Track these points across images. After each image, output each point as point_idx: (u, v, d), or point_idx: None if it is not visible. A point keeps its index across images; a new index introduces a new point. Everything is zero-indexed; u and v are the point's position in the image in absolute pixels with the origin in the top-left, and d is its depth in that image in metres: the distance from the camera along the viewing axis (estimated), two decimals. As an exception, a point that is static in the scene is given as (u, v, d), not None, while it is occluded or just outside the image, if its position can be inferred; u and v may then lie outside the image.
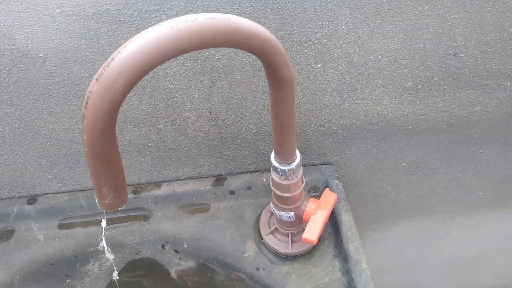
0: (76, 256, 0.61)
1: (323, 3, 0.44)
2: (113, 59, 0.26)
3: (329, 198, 0.53)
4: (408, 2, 0.45)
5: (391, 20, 0.46)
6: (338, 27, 0.46)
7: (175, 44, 0.26)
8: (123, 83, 0.26)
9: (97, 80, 0.26)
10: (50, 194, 0.62)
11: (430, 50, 0.50)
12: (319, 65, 0.50)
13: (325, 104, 0.55)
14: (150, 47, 0.26)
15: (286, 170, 0.46)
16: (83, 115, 0.28)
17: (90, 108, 0.27)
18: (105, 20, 0.43)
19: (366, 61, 0.50)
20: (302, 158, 0.63)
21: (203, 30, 0.27)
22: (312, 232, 0.50)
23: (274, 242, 0.57)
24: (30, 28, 0.43)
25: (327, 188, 0.55)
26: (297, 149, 0.47)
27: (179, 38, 0.26)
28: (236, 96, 0.52)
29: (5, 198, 0.62)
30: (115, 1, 0.41)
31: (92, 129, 0.28)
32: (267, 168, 0.64)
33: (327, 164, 0.64)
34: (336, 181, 0.62)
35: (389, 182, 0.70)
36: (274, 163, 0.46)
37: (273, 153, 0.47)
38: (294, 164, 0.46)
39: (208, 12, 0.43)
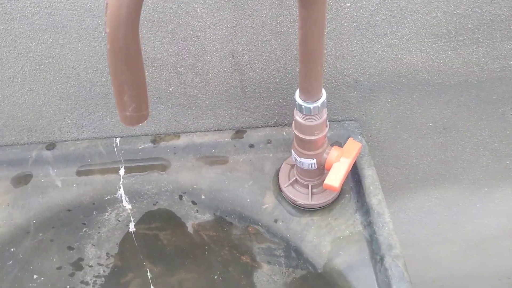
0: (93, 204, 0.60)
1: None
2: None
3: (353, 146, 0.51)
4: None
5: (427, -46, 0.44)
6: (371, -41, 0.44)
7: None
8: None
9: (123, -38, 0.25)
10: (69, 141, 0.62)
11: (466, -8, 0.48)
12: (348, 4, 0.48)
13: (353, 51, 0.53)
14: None
15: (311, 108, 0.44)
16: (106, 3, 0.26)
17: (114, -5, 0.26)
18: None
19: (399, 1, 0.48)
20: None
21: None
22: (335, 178, 0.49)
23: (294, 193, 0.55)
24: (53, -48, 0.42)
25: (351, 138, 0.53)
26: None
27: None
28: (260, 38, 0.51)
29: (24, 144, 0.62)
30: None
31: (115, 19, 0.26)
32: (288, 122, 0.62)
33: (351, 120, 0.62)
34: (359, 136, 0.60)
35: (414, 144, 0.68)
36: (298, 100, 0.45)
37: (297, 91, 0.45)
38: (319, 102, 0.44)
39: None
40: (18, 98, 0.56)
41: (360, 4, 0.48)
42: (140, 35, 0.50)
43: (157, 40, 0.50)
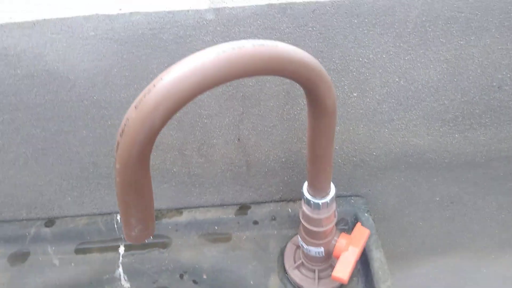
0: (91, 283, 0.58)
1: (365, 31, 0.42)
2: (154, 85, 0.24)
3: (361, 234, 0.50)
4: (454, 31, 0.43)
5: (435, 50, 0.44)
6: (379, 56, 0.44)
7: (221, 72, 0.24)
8: (164, 111, 0.24)
9: (136, 108, 0.24)
10: (68, 217, 0.60)
11: (473, 82, 0.48)
12: (355, 94, 0.48)
13: (359, 134, 0.53)
14: (195, 74, 0.24)
15: (320, 203, 0.43)
16: (118, 143, 0.26)
17: (126, 136, 0.25)
18: (140, 44, 0.41)
19: (406, 91, 0.48)
20: (331, 189, 0.60)
21: (251, 57, 0.25)
22: (344, 270, 0.47)
23: (300, 277, 0.54)
24: (62, 50, 0.42)
25: (359, 223, 0.52)
26: (329, 180, 0.45)
27: (226, 65, 0.24)
28: (266, 124, 0.50)
29: (23, 220, 0.60)
30: (151, 26, 0.40)
31: (126, 158, 0.26)
32: (293, 197, 0.61)
33: (357, 196, 0.61)
34: (366, 214, 0.59)
35: (421, 217, 0.67)
36: (307, 195, 0.44)
37: (305, 184, 0.44)
38: (328, 197, 0.43)
39: (246, 39, 0.41)
40: (18, 179, 0.54)
41: (367, 94, 0.48)
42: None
43: (162, 126, 0.50)
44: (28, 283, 0.57)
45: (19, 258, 0.59)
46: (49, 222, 0.60)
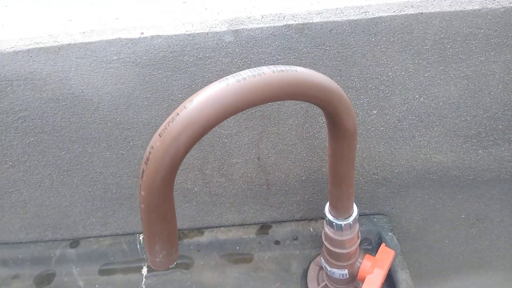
0: (115, 305, 0.58)
1: (383, 49, 0.42)
2: (178, 114, 0.25)
3: (386, 255, 0.49)
4: (473, 48, 0.43)
5: (454, 66, 0.44)
6: (398, 73, 0.44)
7: (243, 99, 0.25)
8: (187, 138, 0.24)
9: (160, 136, 0.25)
10: (92, 237, 0.61)
11: (495, 97, 0.47)
12: (375, 112, 0.47)
13: (380, 152, 0.52)
14: (217, 101, 0.24)
15: (342, 225, 0.43)
16: (143, 170, 0.26)
17: (151, 164, 0.26)
18: (161, 66, 0.42)
19: (426, 108, 0.47)
20: (352, 208, 0.60)
21: (271, 83, 0.25)
22: (369, 293, 0.46)
23: (324, 299, 0.53)
24: (86, 74, 0.43)
25: (383, 244, 0.51)
26: (350, 199, 0.44)
27: (247, 92, 0.25)
28: (286, 142, 0.51)
29: (48, 241, 0.61)
30: (172, 48, 0.41)
31: (151, 185, 0.26)
32: (315, 216, 0.60)
33: (380, 214, 0.60)
34: (390, 234, 0.58)
35: (447, 235, 0.65)
36: (329, 216, 0.43)
37: (327, 205, 0.44)
38: (351, 218, 0.43)
39: (264, 60, 0.42)
40: (44, 200, 0.56)
41: (386, 111, 0.48)
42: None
43: (183, 147, 0.50)
44: (53, 304, 0.57)
45: (45, 279, 0.59)
46: (74, 243, 0.61)
